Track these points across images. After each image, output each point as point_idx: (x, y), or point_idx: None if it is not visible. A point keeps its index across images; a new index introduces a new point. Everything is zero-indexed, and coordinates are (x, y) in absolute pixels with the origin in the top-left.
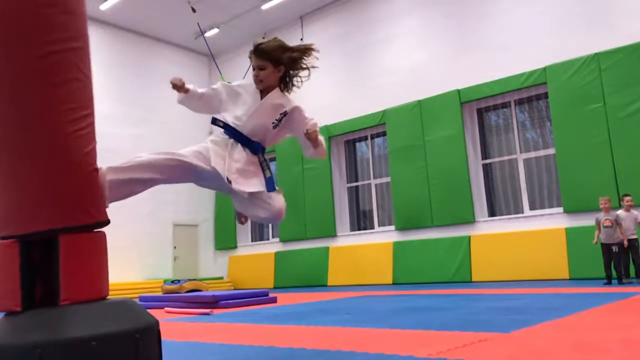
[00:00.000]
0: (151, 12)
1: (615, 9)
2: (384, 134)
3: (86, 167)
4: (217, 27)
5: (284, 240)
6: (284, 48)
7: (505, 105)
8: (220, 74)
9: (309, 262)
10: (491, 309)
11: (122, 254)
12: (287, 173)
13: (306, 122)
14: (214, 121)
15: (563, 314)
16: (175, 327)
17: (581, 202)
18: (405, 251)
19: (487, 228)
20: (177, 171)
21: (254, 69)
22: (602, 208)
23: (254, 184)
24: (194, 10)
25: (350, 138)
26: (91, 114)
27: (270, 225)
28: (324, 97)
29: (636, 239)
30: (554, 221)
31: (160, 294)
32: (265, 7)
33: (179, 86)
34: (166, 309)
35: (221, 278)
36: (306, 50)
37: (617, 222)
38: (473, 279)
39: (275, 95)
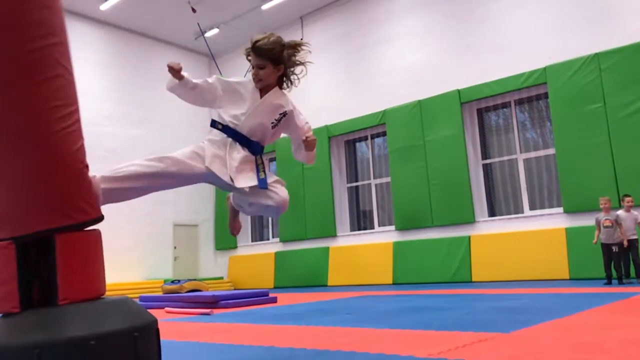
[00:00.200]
0: (151, 12)
1: (615, 9)
2: (384, 134)
3: (77, 164)
4: (217, 27)
5: (284, 241)
6: (282, 45)
7: (506, 105)
8: (221, 74)
9: (309, 262)
10: (491, 309)
11: (122, 254)
12: (287, 173)
13: (303, 126)
14: (213, 124)
15: (563, 314)
16: (175, 327)
17: (581, 202)
18: (406, 251)
19: (487, 228)
20: (170, 180)
21: (252, 68)
22: (602, 208)
23: (252, 177)
24: (194, 10)
25: (351, 138)
26: (77, 110)
27: (270, 225)
28: (324, 97)
29: (636, 239)
30: (554, 221)
31: (160, 294)
32: (265, 7)
33: (175, 70)
34: (166, 309)
35: (221, 278)
36: (297, 46)
37: (617, 222)
38: (473, 279)
39: (274, 95)
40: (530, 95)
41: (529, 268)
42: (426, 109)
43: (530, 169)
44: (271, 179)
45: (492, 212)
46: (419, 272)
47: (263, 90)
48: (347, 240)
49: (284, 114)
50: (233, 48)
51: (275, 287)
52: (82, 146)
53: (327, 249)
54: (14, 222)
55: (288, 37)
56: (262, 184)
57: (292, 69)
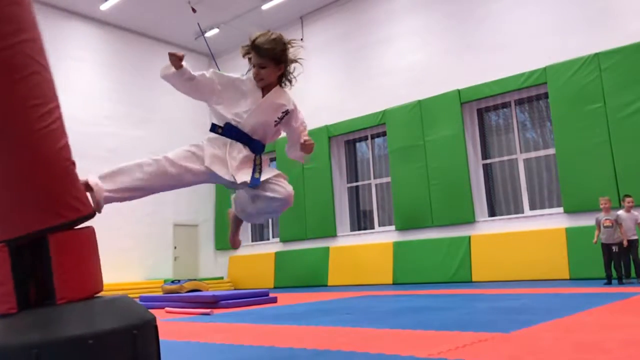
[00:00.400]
0: (151, 12)
1: (615, 9)
2: (384, 134)
3: (63, 162)
4: (217, 28)
5: (284, 240)
6: (284, 44)
7: (506, 105)
8: None
9: (309, 262)
10: (491, 309)
11: (122, 254)
12: (287, 173)
13: (299, 126)
14: (213, 128)
15: (563, 314)
16: (175, 327)
17: (581, 202)
18: (406, 251)
19: (487, 228)
20: (171, 184)
21: (253, 66)
22: (602, 208)
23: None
24: (194, 10)
25: (351, 138)
26: (57, 107)
27: (270, 225)
28: (324, 97)
29: (636, 240)
30: (554, 221)
31: (160, 294)
32: (265, 7)
33: (178, 57)
34: (166, 309)
35: (221, 278)
36: (289, 43)
37: (617, 222)
38: (473, 279)
39: (276, 94)
40: (530, 95)
41: (529, 268)
42: (426, 109)
43: (531, 169)
44: (273, 173)
45: (492, 212)
46: (419, 272)
47: (264, 89)
48: (347, 240)
49: (286, 112)
50: (233, 48)
51: (275, 287)
52: (66, 143)
53: (327, 249)
54: (5, 225)
55: (288, 37)
56: (254, 182)
57: (290, 68)
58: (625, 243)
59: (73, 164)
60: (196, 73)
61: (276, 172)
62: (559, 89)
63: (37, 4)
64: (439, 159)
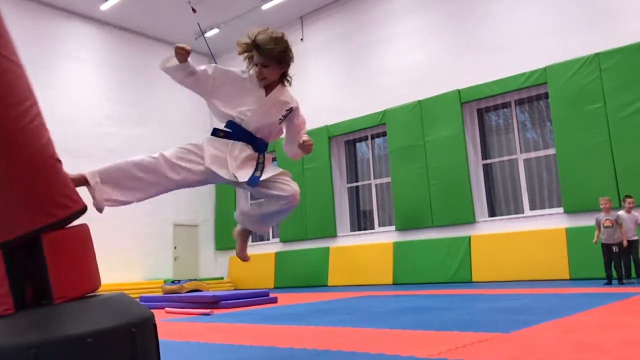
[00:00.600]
0: (151, 12)
1: (615, 9)
2: (384, 134)
3: (47, 159)
4: (218, 28)
5: (284, 241)
6: (286, 43)
7: (506, 105)
8: None
9: (309, 263)
10: (491, 309)
11: (122, 254)
12: None
13: (300, 123)
14: (215, 132)
15: (563, 314)
16: (175, 327)
17: (581, 203)
18: (406, 251)
19: (487, 228)
20: (171, 186)
21: (256, 65)
22: (603, 208)
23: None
24: (194, 10)
25: (351, 138)
26: (34, 104)
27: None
28: (324, 97)
29: (637, 240)
30: (554, 221)
31: (160, 294)
32: (265, 7)
33: (187, 51)
34: (167, 309)
35: (221, 278)
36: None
37: (617, 223)
38: (473, 279)
39: (280, 92)
40: (530, 96)
41: (529, 268)
42: (426, 109)
43: (531, 169)
44: (276, 171)
45: (492, 212)
46: (419, 272)
47: (267, 87)
48: (347, 240)
49: (290, 110)
50: (233, 48)
51: (275, 287)
52: (49, 140)
53: (327, 249)
54: None
55: (288, 37)
56: (253, 181)
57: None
58: (625, 243)
59: (58, 160)
60: (198, 68)
61: (279, 170)
62: (559, 89)
63: (37, 4)
64: (439, 159)
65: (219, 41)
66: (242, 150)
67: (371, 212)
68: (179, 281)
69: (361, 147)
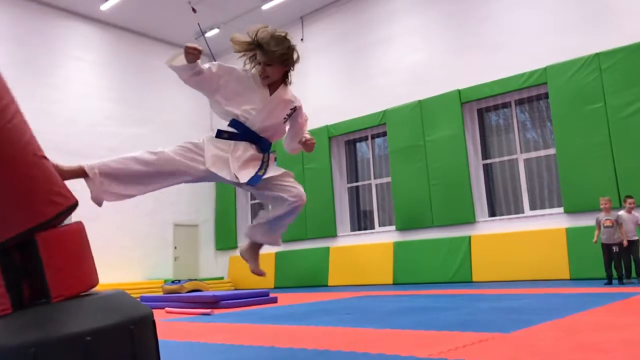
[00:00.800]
0: (151, 12)
1: (615, 9)
2: (384, 134)
3: (32, 157)
4: (218, 28)
5: (284, 241)
6: (289, 42)
7: (506, 105)
8: None
9: (310, 263)
10: (491, 309)
11: (122, 254)
12: None
13: (303, 122)
14: (219, 134)
15: (563, 314)
16: (175, 327)
17: (582, 202)
18: (406, 251)
19: (487, 228)
20: (169, 181)
21: (259, 64)
22: (603, 208)
23: (255, 170)
24: (194, 10)
25: (351, 138)
26: (12, 102)
27: None
28: (324, 97)
29: (637, 240)
30: (554, 221)
31: (160, 294)
32: (265, 7)
33: (198, 50)
34: (167, 309)
35: (222, 278)
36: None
37: (617, 223)
38: (473, 279)
39: (283, 91)
40: (530, 95)
41: (530, 268)
42: (426, 109)
43: (531, 169)
44: (279, 171)
45: (493, 212)
46: (420, 272)
47: (270, 86)
48: (347, 240)
49: (294, 109)
50: None
51: (275, 287)
52: (32, 137)
53: (327, 249)
54: None
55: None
56: (255, 180)
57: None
58: (625, 243)
59: (44, 157)
60: (205, 66)
61: (282, 170)
62: (559, 89)
63: (37, 4)
64: (439, 159)
65: (219, 41)
66: (246, 150)
67: (371, 212)
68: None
69: (361, 147)
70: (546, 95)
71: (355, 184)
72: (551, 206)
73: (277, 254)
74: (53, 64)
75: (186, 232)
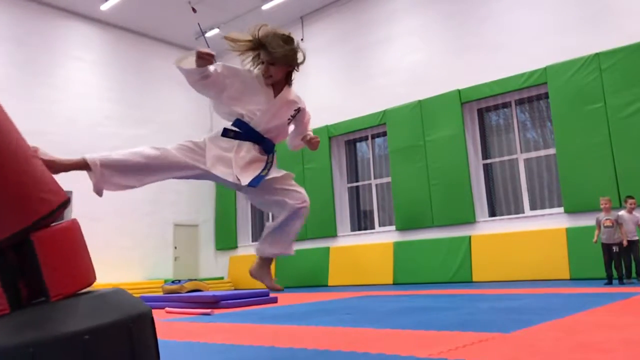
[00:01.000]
0: (151, 12)
1: (615, 9)
2: (384, 134)
3: (21, 156)
4: (218, 27)
5: None
6: (294, 43)
7: (506, 105)
8: None
9: (310, 263)
10: (492, 309)
11: (122, 254)
12: None
13: (307, 122)
14: (225, 132)
15: (563, 314)
16: (175, 327)
17: (582, 202)
18: (406, 251)
19: (487, 228)
20: (165, 174)
21: (262, 63)
22: (603, 208)
23: (257, 172)
24: (194, 10)
25: (351, 138)
26: None
27: None
28: (324, 97)
29: (637, 240)
30: (554, 221)
31: (160, 294)
32: (265, 7)
33: (211, 56)
34: (167, 309)
35: (222, 278)
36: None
37: (617, 223)
38: (473, 279)
39: (288, 92)
40: (530, 95)
41: (530, 268)
42: (427, 109)
43: (531, 169)
44: (280, 172)
45: (493, 212)
46: (420, 272)
47: (274, 87)
48: (347, 240)
49: (298, 110)
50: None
51: None
52: (19, 135)
53: (327, 249)
54: None
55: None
56: (256, 181)
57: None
58: (625, 243)
59: (33, 155)
60: (211, 68)
61: (283, 172)
62: (559, 89)
63: (37, 4)
64: (439, 159)
65: (219, 41)
66: (249, 150)
67: (371, 212)
68: (179, 281)
69: (361, 147)
70: (546, 95)
71: (355, 184)
72: (551, 206)
73: None
74: (53, 64)
75: (186, 232)
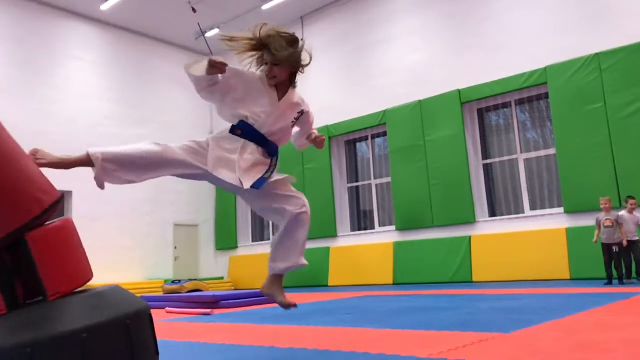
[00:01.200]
0: (151, 12)
1: (615, 9)
2: (384, 134)
3: (12, 157)
4: (218, 27)
5: None
6: (298, 44)
7: (506, 105)
8: None
9: (310, 263)
10: (492, 309)
11: (123, 254)
12: (287, 173)
13: (312, 123)
14: (233, 130)
15: (563, 314)
16: (176, 327)
17: (582, 203)
18: (406, 251)
19: (487, 228)
20: (166, 170)
21: (265, 64)
22: (603, 208)
23: (259, 175)
24: (194, 10)
25: (351, 138)
26: None
27: (270, 226)
28: (324, 97)
29: (637, 240)
30: (554, 221)
31: (161, 294)
32: (265, 7)
33: (224, 65)
34: (167, 309)
35: (222, 278)
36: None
37: (617, 223)
38: (474, 279)
39: (292, 94)
40: (530, 95)
41: (530, 268)
42: (427, 109)
43: (531, 169)
44: (281, 176)
45: (493, 212)
46: (420, 273)
47: (278, 89)
48: (347, 240)
49: (301, 113)
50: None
51: None
52: (9, 136)
53: (327, 249)
54: None
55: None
56: (259, 184)
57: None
58: (625, 243)
59: (24, 154)
60: (220, 76)
61: (284, 176)
62: (559, 89)
63: (37, 4)
64: (439, 159)
65: (219, 41)
66: (252, 152)
67: (371, 212)
68: (180, 281)
69: (361, 147)
70: (546, 95)
71: (355, 184)
72: (551, 206)
73: None
74: (53, 64)
75: (186, 232)
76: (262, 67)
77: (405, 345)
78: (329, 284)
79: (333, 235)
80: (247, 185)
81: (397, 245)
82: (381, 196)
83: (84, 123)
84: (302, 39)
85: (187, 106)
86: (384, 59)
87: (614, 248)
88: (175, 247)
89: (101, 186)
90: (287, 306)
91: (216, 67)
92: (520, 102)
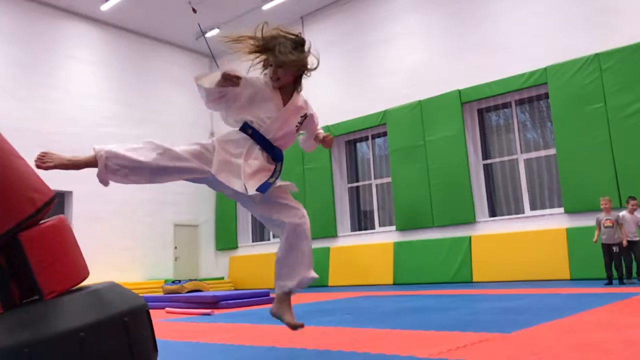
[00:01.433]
0: (152, 12)
1: (615, 9)
2: (384, 134)
3: (5, 159)
4: (218, 28)
5: None
6: (304, 47)
7: (506, 105)
8: None
9: None
10: (492, 310)
11: (123, 254)
12: (287, 173)
13: (317, 125)
14: (244, 128)
15: (564, 315)
16: (176, 328)
17: (582, 203)
18: (406, 251)
19: (487, 228)
20: (169, 177)
21: (270, 66)
22: (603, 208)
23: (262, 181)
24: (194, 10)
25: (351, 138)
26: None
27: None
28: (324, 97)
29: (637, 240)
30: (554, 221)
31: (161, 294)
32: (265, 7)
33: (239, 78)
34: (167, 309)
35: (222, 278)
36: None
37: (617, 223)
38: (474, 280)
39: (297, 98)
40: (530, 96)
41: (530, 268)
42: (427, 109)
43: (531, 169)
44: (283, 182)
45: (493, 213)
46: (420, 273)
47: (281, 92)
48: (347, 240)
49: (305, 116)
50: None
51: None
52: (2, 137)
53: (327, 249)
54: None
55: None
56: (264, 188)
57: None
58: (625, 243)
59: (17, 156)
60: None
61: (287, 183)
62: (559, 89)
63: (37, 4)
64: (439, 159)
65: (219, 42)
66: (257, 157)
67: (372, 212)
68: (180, 281)
69: (362, 147)
70: (546, 96)
71: (355, 184)
72: (551, 206)
73: None
74: (53, 64)
75: (186, 233)
76: (267, 70)
77: (405, 345)
78: (329, 284)
79: (333, 235)
80: (251, 190)
81: (398, 246)
82: (381, 196)
83: (84, 123)
84: (309, 41)
85: (187, 106)
86: (384, 59)
87: (614, 248)
88: (176, 247)
89: (105, 183)
90: (294, 327)
91: (230, 80)
92: (520, 102)
